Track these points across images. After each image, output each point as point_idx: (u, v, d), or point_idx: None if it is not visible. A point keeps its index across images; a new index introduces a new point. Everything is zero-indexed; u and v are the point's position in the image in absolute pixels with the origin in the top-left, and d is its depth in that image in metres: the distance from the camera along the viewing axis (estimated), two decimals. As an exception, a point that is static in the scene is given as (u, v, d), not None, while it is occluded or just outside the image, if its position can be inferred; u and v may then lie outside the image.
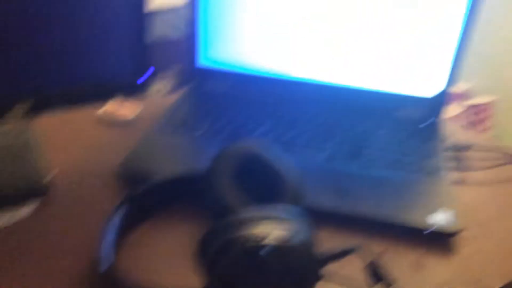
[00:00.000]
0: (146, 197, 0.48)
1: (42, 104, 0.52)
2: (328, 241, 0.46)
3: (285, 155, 0.46)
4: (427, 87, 0.66)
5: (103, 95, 0.56)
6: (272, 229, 0.35)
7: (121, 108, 0.68)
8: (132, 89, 0.54)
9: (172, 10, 1.31)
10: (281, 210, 0.37)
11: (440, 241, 0.48)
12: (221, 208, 0.43)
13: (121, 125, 0.66)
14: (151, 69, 0.53)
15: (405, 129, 0.64)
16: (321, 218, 0.48)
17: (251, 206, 0.40)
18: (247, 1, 0.66)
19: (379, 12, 0.63)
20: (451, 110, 1.69)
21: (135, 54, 0.52)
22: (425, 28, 0.62)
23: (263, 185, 0.45)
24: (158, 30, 1.33)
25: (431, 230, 0.47)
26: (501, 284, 0.43)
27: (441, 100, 0.66)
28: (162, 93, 1.38)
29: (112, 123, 0.67)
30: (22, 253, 0.45)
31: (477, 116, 1.69)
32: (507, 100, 1.68)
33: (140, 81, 0.56)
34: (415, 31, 0.63)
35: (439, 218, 0.48)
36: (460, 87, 1.74)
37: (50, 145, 0.59)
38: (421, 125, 0.66)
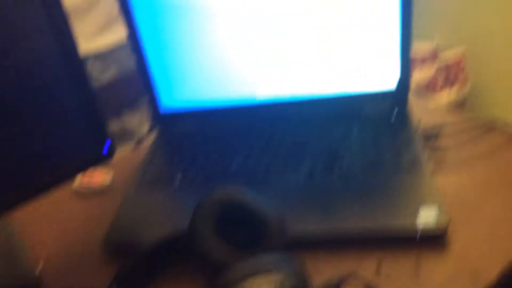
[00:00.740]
0: (136, 271, 0.47)
1: (16, 199, 0.51)
2: (323, 266, 0.46)
3: (260, 197, 0.46)
4: (386, 79, 0.66)
5: (73, 172, 0.55)
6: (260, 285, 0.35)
7: (94, 176, 0.68)
8: (98, 158, 0.54)
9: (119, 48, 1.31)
10: (268, 261, 0.37)
11: (432, 239, 0.47)
12: (209, 263, 0.43)
13: (98, 193, 0.66)
14: (109, 140, 0.53)
15: (375, 128, 0.64)
16: (311, 244, 0.49)
17: (237, 261, 0.39)
18: (187, 39, 0.65)
19: (316, 20, 0.62)
20: (425, 73, 1.69)
21: (92, 126, 0.52)
22: (364, 23, 0.62)
23: (246, 231, 0.45)
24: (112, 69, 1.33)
25: (421, 233, 0.47)
26: (499, 270, 0.43)
27: (404, 89, 0.66)
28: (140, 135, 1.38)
29: (89, 193, 0.66)
30: None
31: (451, 71, 1.69)
32: (475, 49, 1.69)
33: (104, 150, 0.55)
34: (355, 30, 0.62)
35: (427, 218, 0.48)
36: (426, 48, 1.75)
37: (33, 233, 0.58)
38: (392, 119, 0.66)
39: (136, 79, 0.71)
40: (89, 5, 1.31)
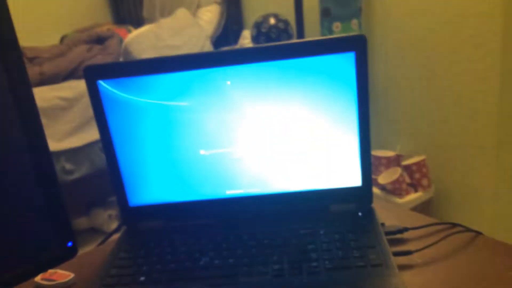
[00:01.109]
0: None
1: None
2: None
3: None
4: (352, 176, 0.68)
5: (34, 271, 0.53)
6: None
7: (57, 272, 0.65)
8: (60, 257, 0.52)
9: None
10: None
11: None
12: None
13: (59, 290, 0.63)
14: (71, 242, 0.52)
15: (343, 224, 0.65)
16: None
17: None
18: (157, 141, 0.68)
19: (285, 127, 0.66)
20: (390, 175, 1.76)
21: (56, 226, 0.51)
22: (330, 131, 0.66)
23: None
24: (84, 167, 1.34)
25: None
26: None
27: (368, 184, 0.69)
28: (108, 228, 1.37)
29: (51, 289, 0.63)
30: None
31: (414, 176, 1.76)
32: (435, 156, 1.79)
33: (69, 244, 0.54)
34: (323, 136, 0.66)
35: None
36: (389, 155, 1.83)
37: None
38: (359, 214, 0.67)
39: (106, 176, 0.72)
40: (64, 106, 1.36)
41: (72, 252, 0.52)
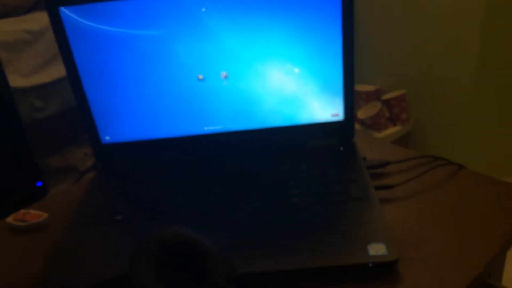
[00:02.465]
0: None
1: None
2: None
3: (204, 237, 0.43)
4: (334, 110, 0.66)
5: (5, 210, 0.51)
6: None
7: (30, 212, 0.63)
8: (30, 198, 0.50)
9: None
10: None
11: (383, 272, 0.47)
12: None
13: (32, 230, 0.61)
14: (40, 182, 0.49)
15: (323, 160, 0.64)
16: (261, 282, 0.46)
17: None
18: (127, 73, 0.63)
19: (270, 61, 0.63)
20: (369, 110, 1.75)
21: (23, 166, 0.48)
22: (311, 57, 0.63)
23: (189, 273, 0.42)
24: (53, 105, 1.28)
25: (371, 263, 0.46)
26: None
27: (350, 118, 0.67)
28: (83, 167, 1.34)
29: (23, 229, 0.61)
30: None
31: (393, 110, 1.76)
32: (415, 91, 1.77)
33: (38, 184, 0.51)
34: (302, 64, 0.63)
35: (377, 250, 0.47)
36: (370, 89, 1.82)
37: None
38: (341, 148, 0.66)
39: (78, 114, 0.68)
40: (29, 40, 1.27)
41: (42, 191, 0.50)
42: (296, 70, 0.63)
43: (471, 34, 1.54)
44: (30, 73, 1.22)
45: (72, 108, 1.27)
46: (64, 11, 0.60)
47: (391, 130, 1.76)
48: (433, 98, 1.75)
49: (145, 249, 0.42)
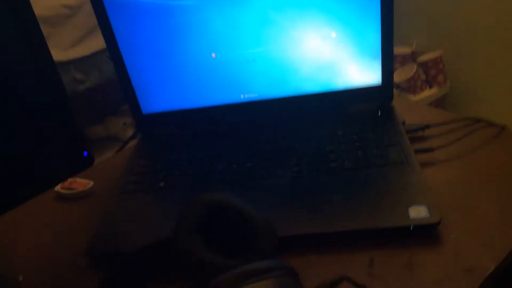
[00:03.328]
0: (119, 279, 0.46)
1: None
2: (315, 268, 0.45)
3: (247, 201, 0.45)
4: (371, 76, 0.65)
5: (51, 183, 0.53)
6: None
7: (77, 181, 0.66)
8: (77, 168, 0.52)
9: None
10: (259, 268, 0.35)
11: (424, 235, 0.47)
12: (195, 271, 0.41)
13: (80, 197, 0.64)
14: (85, 152, 0.51)
15: (362, 125, 0.64)
16: (302, 246, 0.48)
17: (226, 269, 0.38)
18: (166, 44, 0.64)
19: (303, 25, 0.62)
20: (405, 72, 1.71)
21: (68, 137, 0.50)
22: (348, 21, 0.62)
23: (233, 237, 0.43)
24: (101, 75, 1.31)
25: (413, 225, 0.46)
26: (495, 265, 0.43)
27: (389, 83, 0.66)
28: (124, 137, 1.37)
29: (71, 196, 0.64)
30: None
31: (430, 72, 1.71)
32: (452, 52, 1.72)
33: (82, 160, 0.53)
34: (341, 32, 0.62)
35: (418, 213, 0.47)
36: (405, 51, 1.77)
37: (15, 240, 0.57)
38: (378, 115, 0.65)
39: (117, 85, 0.70)
40: (68, 14, 1.29)
41: (89, 161, 0.52)
42: (333, 34, 0.62)
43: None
44: (70, 47, 1.24)
45: (111, 80, 1.29)
46: (102, -17, 0.60)
47: (428, 93, 1.71)
48: (470, 60, 1.69)
49: (189, 214, 0.43)
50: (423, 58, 1.72)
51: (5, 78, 0.44)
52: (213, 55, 0.64)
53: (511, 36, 1.52)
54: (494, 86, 1.66)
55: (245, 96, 0.67)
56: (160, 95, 0.68)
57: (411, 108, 0.71)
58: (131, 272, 0.46)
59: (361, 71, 0.65)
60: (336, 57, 0.64)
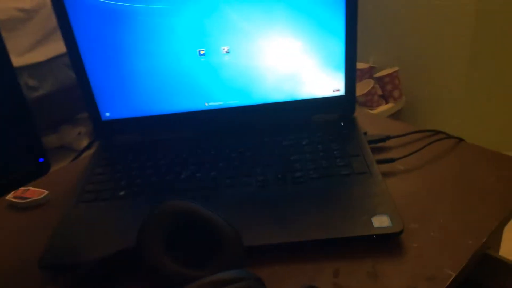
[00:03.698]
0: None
1: None
2: (281, 278, 0.45)
3: (212, 209, 0.44)
4: (336, 85, 0.66)
5: (5, 189, 0.50)
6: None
7: (30, 189, 0.62)
8: (32, 174, 0.49)
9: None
10: (226, 278, 0.34)
11: (387, 244, 0.47)
12: (160, 280, 0.40)
13: (34, 207, 0.61)
14: (42, 158, 0.49)
15: (326, 133, 0.64)
16: (268, 255, 0.47)
17: (192, 278, 0.37)
18: (128, 48, 0.62)
19: (273, 36, 0.62)
20: (362, 87, 1.75)
21: (25, 142, 0.47)
22: (313, 32, 0.62)
23: (197, 244, 0.42)
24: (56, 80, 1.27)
25: (376, 235, 0.47)
26: (456, 273, 0.44)
27: (352, 93, 0.67)
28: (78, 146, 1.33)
29: (24, 206, 0.61)
30: None
31: (386, 87, 1.76)
32: (407, 69, 1.78)
33: (39, 166, 0.51)
34: (307, 45, 0.63)
35: (381, 222, 0.48)
36: (362, 66, 1.81)
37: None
38: (340, 124, 0.66)
39: (72, 92, 0.67)
40: (23, 18, 1.25)
41: (45, 168, 0.49)
42: (298, 44, 0.63)
43: (467, 11, 1.54)
44: (24, 52, 1.20)
45: (66, 87, 1.25)
46: (63, -16, 0.58)
47: (384, 108, 1.76)
48: (425, 76, 1.75)
49: (153, 222, 0.42)
50: (380, 73, 1.78)
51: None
52: (177, 60, 0.63)
53: (464, 53, 1.60)
54: (446, 103, 1.73)
55: (209, 104, 0.67)
56: (121, 101, 0.66)
57: (372, 120, 0.72)
58: (92, 283, 0.44)
59: (325, 82, 0.66)
60: (300, 67, 0.65)
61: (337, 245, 0.48)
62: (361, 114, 0.69)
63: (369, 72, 1.83)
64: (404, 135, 0.66)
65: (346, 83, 0.66)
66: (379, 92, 1.79)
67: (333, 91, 0.66)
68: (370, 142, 0.63)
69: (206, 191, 0.57)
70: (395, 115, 1.82)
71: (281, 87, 0.66)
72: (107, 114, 0.67)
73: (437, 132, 0.65)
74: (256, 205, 0.53)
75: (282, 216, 0.51)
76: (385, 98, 1.79)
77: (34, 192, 0.62)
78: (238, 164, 0.60)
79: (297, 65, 0.64)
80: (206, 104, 0.67)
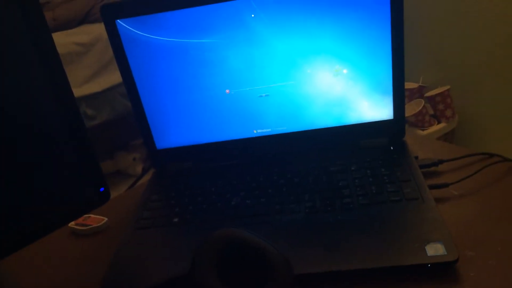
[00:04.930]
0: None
1: (9, 245, 0.49)
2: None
3: (263, 237, 0.45)
4: (384, 109, 0.66)
5: (67, 219, 0.53)
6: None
7: (91, 217, 0.66)
8: (93, 203, 0.52)
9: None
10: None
11: (442, 273, 0.46)
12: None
13: (94, 233, 0.64)
14: (103, 187, 0.51)
15: (375, 158, 0.64)
16: (317, 281, 0.47)
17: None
18: (181, 80, 0.65)
19: (317, 62, 0.63)
20: (413, 107, 1.72)
21: (87, 172, 0.50)
22: (360, 58, 0.63)
23: (249, 271, 0.43)
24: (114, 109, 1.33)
25: (430, 265, 0.46)
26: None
27: (401, 117, 0.66)
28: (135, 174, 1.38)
29: (85, 232, 0.64)
30: None
31: (437, 107, 1.72)
32: (460, 87, 1.73)
33: (101, 189, 0.54)
34: (353, 69, 0.63)
35: (435, 250, 0.46)
36: (412, 86, 1.78)
37: (29, 276, 0.57)
38: (390, 149, 0.66)
39: (127, 120, 0.71)
40: (81, 52, 1.33)
41: (105, 196, 0.52)
42: (345, 70, 0.63)
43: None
44: (82, 83, 1.27)
45: (121, 115, 1.31)
46: (120, 23, 0.62)
47: (436, 128, 1.72)
48: (478, 94, 1.70)
49: (207, 249, 0.43)
50: (431, 93, 1.74)
51: (26, 110, 0.45)
52: (227, 91, 0.66)
53: (517, 71, 1.54)
54: (502, 120, 1.66)
55: (258, 131, 0.68)
56: (174, 130, 0.69)
57: (422, 143, 0.71)
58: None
59: (373, 106, 0.66)
60: (348, 93, 0.65)
61: (388, 274, 0.47)
62: (411, 137, 0.69)
63: (419, 92, 1.79)
64: (457, 158, 0.64)
65: (395, 106, 0.66)
66: (430, 111, 1.75)
67: (382, 115, 0.66)
68: (421, 166, 0.62)
69: (256, 217, 0.58)
70: (448, 135, 1.77)
71: (329, 112, 0.66)
72: (162, 143, 0.70)
73: (491, 155, 0.63)
74: (305, 232, 0.54)
75: (331, 243, 0.50)
76: (437, 118, 1.75)
77: (94, 219, 0.65)
78: (287, 190, 0.61)
79: (345, 90, 0.65)
80: (255, 132, 0.68)
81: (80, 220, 0.65)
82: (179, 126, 0.69)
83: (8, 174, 0.45)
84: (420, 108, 1.69)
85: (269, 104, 0.66)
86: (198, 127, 0.69)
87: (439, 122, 1.74)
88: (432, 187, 0.58)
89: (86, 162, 0.51)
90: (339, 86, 0.64)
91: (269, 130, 0.68)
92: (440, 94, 1.71)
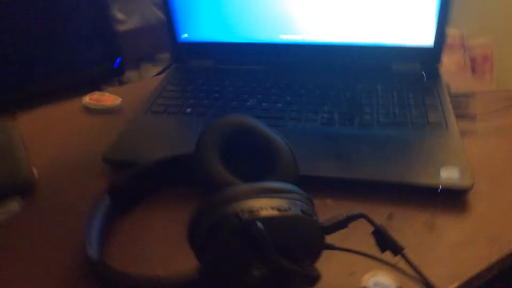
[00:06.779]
0: (131, 184, 0.45)
1: (24, 100, 0.49)
2: (334, 208, 0.44)
3: (271, 128, 0.43)
4: (420, 35, 0.62)
5: (84, 84, 0.53)
6: (266, 203, 0.31)
7: (105, 96, 0.65)
8: (109, 73, 0.51)
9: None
10: (274, 187, 0.33)
11: (452, 198, 0.44)
12: (211, 186, 0.40)
13: (106, 112, 0.63)
14: (119, 58, 0.50)
15: (404, 82, 0.60)
16: (323, 186, 0.46)
17: (241, 183, 0.37)
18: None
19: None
20: (453, 58, 1.64)
21: (104, 41, 0.49)
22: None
23: (253, 160, 0.42)
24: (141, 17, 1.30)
25: (441, 187, 0.44)
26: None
27: (440, 45, 0.62)
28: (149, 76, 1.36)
29: (98, 110, 0.64)
30: (13, 248, 0.42)
31: (477, 59, 1.64)
32: (502, 39, 1.63)
33: (115, 65, 0.52)
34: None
35: (449, 174, 0.44)
36: (454, 33, 1.69)
37: (35, 138, 0.57)
38: (423, 76, 0.62)
39: (156, 31, 0.68)
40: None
41: (120, 70, 0.51)
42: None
43: None
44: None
45: (150, 25, 1.28)
46: None
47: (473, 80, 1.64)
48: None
49: (211, 131, 0.42)
50: (472, 44, 1.65)
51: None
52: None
53: None
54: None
55: (284, 36, 0.65)
56: (198, 24, 0.66)
57: (457, 78, 0.67)
58: (142, 179, 0.45)
59: (414, 30, 0.61)
60: (391, 10, 0.60)
61: (397, 191, 0.45)
62: (445, 71, 0.64)
63: (461, 40, 1.70)
64: (490, 92, 0.60)
65: (436, 34, 0.61)
66: (468, 63, 1.67)
67: (422, 40, 0.62)
68: (452, 96, 0.58)
69: (269, 120, 0.56)
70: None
71: (366, 28, 0.62)
72: (185, 36, 0.68)
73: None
74: (318, 139, 0.52)
75: (342, 153, 0.49)
76: (478, 71, 1.66)
77: (109, 98, 0.65)
78: (306, 100, 0.59)
79: (387, 7, 0.60)
80: (281, 37, 0.65)
81: (94, 97, 0.65)
82: (204, 20, 0.66)
83: (29, 34, 0.44)
84: (461, 57, 1.61)
85: (301, 8, 0.62)
86: (223, 25, 0.66)
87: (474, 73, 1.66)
88: (459, 116, 0.55)
89: (104, 34, 0.50)
90: (381, 1, 0.60)
91: (297, 37, 0.65)
92: (481, 46, 1.61)
